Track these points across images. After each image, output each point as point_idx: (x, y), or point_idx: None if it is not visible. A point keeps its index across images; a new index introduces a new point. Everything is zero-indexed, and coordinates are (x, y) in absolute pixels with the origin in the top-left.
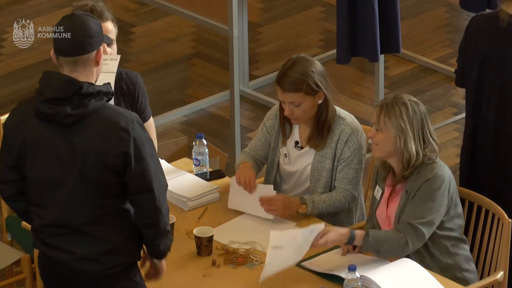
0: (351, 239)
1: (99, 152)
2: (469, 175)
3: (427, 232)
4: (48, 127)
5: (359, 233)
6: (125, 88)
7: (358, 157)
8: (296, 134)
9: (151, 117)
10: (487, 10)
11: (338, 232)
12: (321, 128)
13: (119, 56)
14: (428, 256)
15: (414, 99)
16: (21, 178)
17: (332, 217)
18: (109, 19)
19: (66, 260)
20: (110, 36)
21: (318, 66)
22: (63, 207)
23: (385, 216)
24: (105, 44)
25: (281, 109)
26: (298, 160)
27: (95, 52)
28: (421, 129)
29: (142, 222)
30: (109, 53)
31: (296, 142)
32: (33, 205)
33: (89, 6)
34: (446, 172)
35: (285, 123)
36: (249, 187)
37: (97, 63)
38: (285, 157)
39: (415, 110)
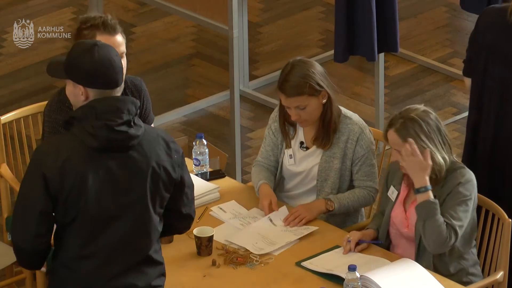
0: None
1: (164, 168)
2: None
3: (459, 233)
4: (101, 157)
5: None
6: (129, 95)
7: (372, 152)
8: (301, 134)
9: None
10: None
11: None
12: (326, 127)
13: None
14: (437, 260)
15: (422, 108)
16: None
17: (338, 216)
18: (120, 31)
19: None
20: (121, 49)
21: (317, 66)
22: (129, 237)
23: (403, 217)
24: None
25: (281, 114)
26: (304, 160)
27: None
28: (440, 136)
29: (188, 212)
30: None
31: (301, 143)
32: (85, 242)
33: (101, 19)
34: (474, 178)
35: (285, 126)
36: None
37: None
38: (290, 158)
39: (428, 122)
